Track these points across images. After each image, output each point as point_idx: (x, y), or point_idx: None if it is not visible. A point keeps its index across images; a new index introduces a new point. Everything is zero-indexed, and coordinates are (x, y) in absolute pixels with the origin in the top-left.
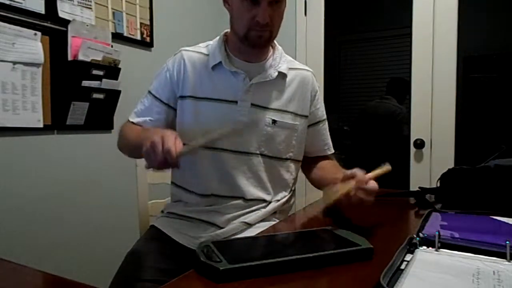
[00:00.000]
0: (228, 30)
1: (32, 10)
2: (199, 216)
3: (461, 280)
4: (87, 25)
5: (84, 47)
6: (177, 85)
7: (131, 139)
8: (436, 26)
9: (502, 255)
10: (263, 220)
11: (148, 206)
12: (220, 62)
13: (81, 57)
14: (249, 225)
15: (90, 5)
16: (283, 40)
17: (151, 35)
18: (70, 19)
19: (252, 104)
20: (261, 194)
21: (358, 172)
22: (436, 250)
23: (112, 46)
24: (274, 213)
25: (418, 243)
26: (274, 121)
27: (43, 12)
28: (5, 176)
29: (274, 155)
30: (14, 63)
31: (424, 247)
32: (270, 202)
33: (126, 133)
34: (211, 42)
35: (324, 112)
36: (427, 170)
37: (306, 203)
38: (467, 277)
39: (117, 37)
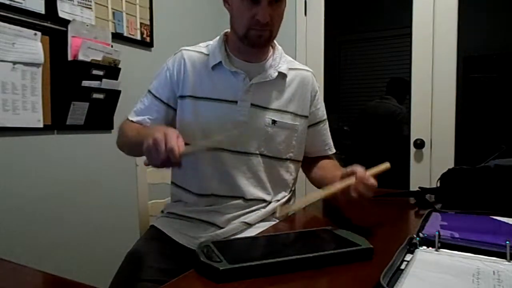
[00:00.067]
0: (228, 30)
1: (32, 10)
2: (199, 216)
3: (461, 280)
4: (87, 25)
5: (84, 47)
6: (177, 85)
7: (131, 137)
8: (436, 26)
9: (502, 255)
10: (263, 220)
11: (148, 206)
12: (220, 62)
13: (81, 57)
14: (249, 225)
15: (90, 5)
16: (283, 40)
17: (151, 35)
18: (70, 19)
19: (252, 104)
20: (261, 194)
21: (358, 168)
22: (436, 250)
23: (112, 46)
24: (274, 213)
25: (418, 243)
26: (274, 121)
27: (43, 12)
28: (5, 176)
29: (274, 155)
30: (14, 63)
31: (424, 247)
32: (270, 202)
33: (126, 130)
34: (211, 42)
35: (325, 112)
36: (427, 170)
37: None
38: (467, 277)
39: (117, 37)
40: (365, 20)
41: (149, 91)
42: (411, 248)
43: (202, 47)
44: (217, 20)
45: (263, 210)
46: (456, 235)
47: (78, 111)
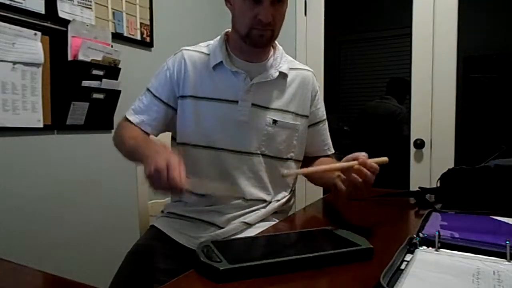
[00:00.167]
0: (229, 30)
1: (32, 10)
2: (199, 216)
3: (461, 280)
4: (87, 25)
5: (84, 47)
6: (177, 85)
7: (129, 146)
8: (436, 26)
9: (502, 255)
10: (263, 220)
11: (148, 206)
12: (221, 62)
13: (81, 57)
14: (249, 225)
15: (90, 5)
16: (283, 40)
17: (151, 35)
18: (70, 19)
19: (253, 104)
20: (261, 194)
21: (361, 154)
22: (436, 250)
23: (112, 46)
24: (274, 213)
25: (418, 243)
26: (275, 121)
27: (43, 12)
28: (5, 176)
29: (274, 155)
30: (14, 63)
31: (424, 247)
32: (270, 202)
33: (124, 136)
34: (211, 42)
35: (324, 112)
36: (427, 170)
37: (306, 203)
38: (467, 277)
39: (117, 37)
40: (365, 20)
41: (149, 90)
42: (411, 248)
43: (203, 47)
44: (217, 20)
45: (263, 210)
46: (456, 235)
47: (78, 111)
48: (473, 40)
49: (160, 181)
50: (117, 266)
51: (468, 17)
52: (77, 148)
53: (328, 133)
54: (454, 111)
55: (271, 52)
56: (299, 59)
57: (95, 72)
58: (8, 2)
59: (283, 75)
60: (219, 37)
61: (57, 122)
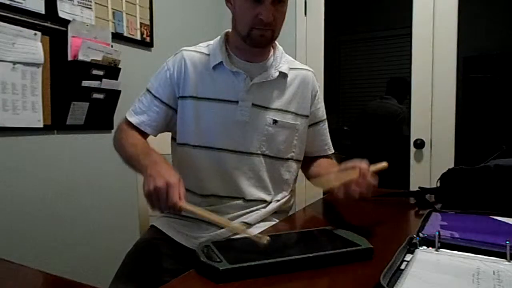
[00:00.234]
0: (229, 30)
1: (32, 10)
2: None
3: (461, 280)
4: (87, 25)
5: (84, 47)
6: (178, 85)
7: (130, 154)
8: (436, 26)
9: (502, 255)
10: (263, 220)
11: (148, 206)
12: (221, 62)
13: (81, 57)
14: (249, 225)
15: (90, 5)
16: (283, 40)
17: (151, 35)
18: (70, 19)
19: (253, 104)
20: (261, 195)
21: (362, 164)
22: (436, 250)
23: (112, 46)
24: (274, 213)
25: (418, 243)
26: (275, 121)
27: (43, 12)
28: (5, 176)
29: (275, 155)
30: (14, 63)
31: (424, 247)
32: (270, 202)
33: (125, 142)
34: (211, 42)
35: (324, 112)
36: (427, 170)
37: (306, 203)
38: (467, 277)
39: (117, 37)
40: (365, 20)
41: (148, 91)
42: (411, 248)
43: (203, 47)
44: (217, 20)
45: (263, 210)
46: (456, 235)
47: (78, 111)
48: (473, 40)
49: (159, 201)
50: (117, 266)
51: (468, 17)
52: (77, 148)
53: (328, 133)
54: (454, 111)
55: (271, 52)
56: (299, 59)
57: (95, 72)
58: (8, 2)
59: (283, 75)
60: (219, 37)
61: (57, 122)
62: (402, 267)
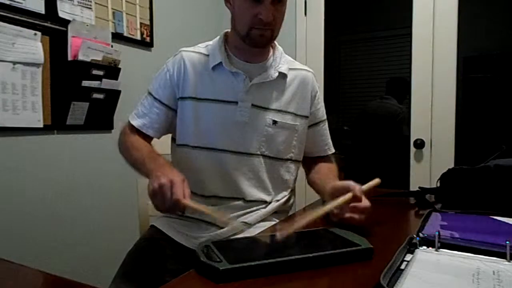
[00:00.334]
0: (228, 30)
1: (32, 10)
2: (199, 216)
3: (461, 280)
4: (87, 25)
5: (84, 47)
6: (177, 86)
7: (135, 158)
8: (436, 26)
9: (502, 255)
10: (263, 220)
11: (148, 206)
12: (220, 63)
13: (81, 57)
14: (249, 225)
15: (90, 5)
16: (283, 40)
17: (151, 35)
18: (70, 19)
19: (253, 105)
20: (261, 195)
21: (354, 187)
22: (436, 250)
23: (112, 46)
24: (274, 213)
25: (418, 243)
26: (274, 122)
27: (43, 12)
28: (5, 176)
29: (275, 156)
30: (14, 63)
31: (424, 247)
32: (270, 203)
33: (129, 146)
34: (210, 43)
35: (324, 113)
36: (427, 170)
37: (306, 203)
38: (467, 277)
39: (117, 37)
40: (365, 20)
41: (149, 93)
42: (411, 248)
43: (202, 47)
44: (217, 20)
45: (263, 210)
46: (456, 235)
47: (78, 111)
48: (473, 40)
49: (163, 199)
50: (117, 266)
51: (468, 17)
52: (77, 148)
53: (328, 133)
54: (454, 111)
55: (271, 53)
56: (299, 59)
57: (95, 72)
58: (8, 2)
59: (282, 76)
60: (218, 37)
61: (57, 122)
62: (402, 267)
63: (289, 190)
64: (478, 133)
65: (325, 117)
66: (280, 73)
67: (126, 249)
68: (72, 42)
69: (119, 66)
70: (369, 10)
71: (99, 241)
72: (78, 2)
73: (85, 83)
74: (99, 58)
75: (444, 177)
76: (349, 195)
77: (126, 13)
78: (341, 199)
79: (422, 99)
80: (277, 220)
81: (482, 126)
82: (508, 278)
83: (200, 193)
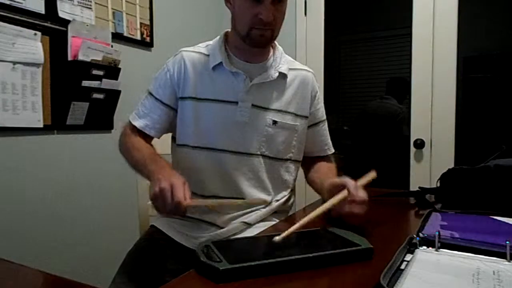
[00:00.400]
0: (228, 30)
1: (32, 10)
2: (199, 216)
3: (461, 280)
4: (87, 25)
5: (84, 47)
6: (178, 86)
7: (136, 159)
8: (436, 26)
9: (502, 255)
10: (263, 220)
11: (148, 206)
12: (221, 63)
13: (81, 57)
14: (249, 225)
15: (90, 5)
16: (283, 40)
17: (151, 35)
18: (70, 19)
19: (253, 105)
20: (261, 195)
21: (349, 183)
22: (436, 250)
23: (112, 46)
24: (274, 213)
25: (418, 243)
26: (274, 122)
27: (43, 12)
28: (5, 176)
29: (275, 156)
30: (14, 63)
31: (424, 247)
32: (270, 203)
33: (130, 147)
34: (210, 42)
35: (324, 113)
36: (427, 170)
37: (306, 203)
38: (467, 277)
39: (117, 37)
40: (365, 20)
41: (150, 93)
42: (411, 248)
43: (202, 47)
44: (217, 20)
45: (263, 210)
46: (456, 235)
47: (78, 111)
48: (473, 40)
49: (164, 202)
50: (117, 266)
51: (468, 17)
52: (77, 148)
53: (328, 133)
54: (454, 111)
55: (271, 53)
56: (299, 59)
57: (95, 72)
58: (8, 2)
59: (282, 76)
60: (218, 37)
61: (57, 122)
62: (402, 267)
63: (289, 190)
64: (478, 133)
65: (324, 117)
66: (280, 73)
67: (126, 249)
68: (72, 42)
69: (119, 66)
70: (369, 10)
71: (99, 241)
72: (78, 2)
73: (85, 83)
74: (99, 58)
75: (444, 177)
76: (344, 192)
77: (126, 13)
78: (336, 198)
79: (422, 99)
80: (277, 220)
81: (482, 126)
82: (508, 278)
83: (200, 193)
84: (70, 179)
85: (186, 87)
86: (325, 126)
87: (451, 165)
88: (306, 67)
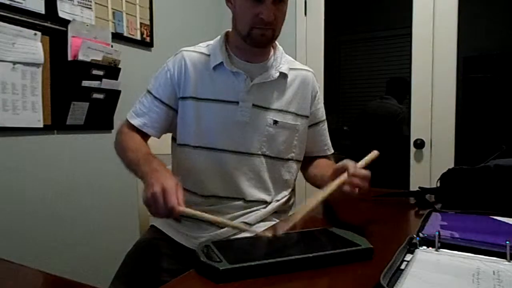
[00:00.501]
0: (229, 30)
1: (32, 10)
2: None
3: (461, 280)
4: (87, 25)
5: (84, 47)
6: (178, 86)
7: (130, 159)
8: (436, 26)
9: (502, 255)
10: (263, 220)
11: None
12: (221, 63)
13: (81, 57)
14: (249, 225)
15: (90, 5)
16: (283, 40)
17: (151, 35)
18: (70, 19)
19: (254, 105)
20: (262, 195)
21: (349, 163)
22: (436, 250)
23: (112, 46)
24: (274, 213)
25: (418, 243)
26: (275, 122)
27: (43, 12)
28: (5, 176)
29: (275, 156)
30: (14, 63)
31: (424, 247)
32: (270, 203)
33: (126, 146)
34: (211, 42)
35: (324, 113)
36: (427, 170)
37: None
38: (467, 277)
39: (117, 37)
40: (365, 20)
41: (149, 92)
42: (411, 248)
43: (202, 47)
44: (217, 20)
45: (263, 210)
46: (456, 235)
47: (78, 111)
48: (473, 40)
49: (156, 207)
50: (117, 266)
51: (468, 17)
52: (77, 148)
53: (328, 134)
54: (454, 111)
55: (271, 53)
56: (299, 59)
57: (95, 72)
58: (8, 2)
59: (283, 76)
60: (218, 37)
61: (57, 122)
62: (402, 267)
63: (289, 190)
64: (478, 133)
65: (324, 117)
66: (281, 73)
67: (126, 249)
68: (72, 42)
69: (119, 66)
70: (369, 10)
71: (99, 241)
72: (78, 2)
73: (85, 83)
74: (99, 58)
75: (444, 177)
76: (343, 177)
77: (126, 13)
78: (335, 183)
79: (422, 99)
80: (277, 220)
81: (482, 126)
82: (508, 278)
83: (200, 193)
84: (70, 179)
85: (187, 87)
86: (325, 126)
87: (451, 165)
88: (306, 67)
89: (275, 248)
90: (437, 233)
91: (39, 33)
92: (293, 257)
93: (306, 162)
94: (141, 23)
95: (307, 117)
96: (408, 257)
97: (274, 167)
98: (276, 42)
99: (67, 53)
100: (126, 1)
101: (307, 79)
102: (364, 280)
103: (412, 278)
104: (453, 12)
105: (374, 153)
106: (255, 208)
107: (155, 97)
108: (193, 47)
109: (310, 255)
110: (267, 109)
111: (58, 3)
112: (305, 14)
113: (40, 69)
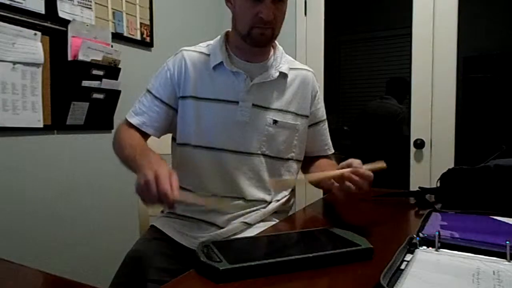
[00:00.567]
0: (229, 29)
1: (32, 10)
2: (199, 216)
3: (461, 280)
4: (87, 25)
5: (84, 47)
6: (178, 85)
7: (126, 155)
8: (436, 26)
9: (502, 255)
10: (263, 220)
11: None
12: (221, 62)
13: (81, 57)
14: (249, 225)
15: (90, 5)
16: (283, 40)
17: (151, 35)
18: (70, 19)
19: (253, 105)
20: (262, 195)
21: (355, 161)
22: (436, 250)
23: (112, 46)
24: (274, 213)
25: (418, 243)
26: (275, 121)
27: (43, 12)
28: (5, 176)
29: (275, 155)
30: (14, 63)
31: (424, 247)
32: (270, 202)
33: (123, 144)
34: (211, 42)
35: (324, 112)
36: (427, 170)
37: (306, 203)
38: (467, 277)
39: (117, 37)
40: (365, 20)
41: (149, 91)
42: (411, 248)
43: (203, 47)
44: (217, 20)
45: (263, 210)
46: (456, 235)
47: (78, 111)
48: (473, 40)
49: (149, 194)
50: (117, 266)
51: (468, 17)
52: (77, 148)
53: (328, 133)
54: (454, 111)
55: (271, 52)
56: (299, 59)
57: (95, 72)
58: (8, 2)
59: (283, 75)
60: (219, 37)
61: (57, 122)
62: (402, 267)
63: (289, 190)
64: (478, 133)
65: (325, 117)
66: (281, 73)
67: (126, 249)
68: (72, 42)
69: (119, 66)
70: (369, 10)
71: (99, 241)
72: (78, 2)
73: (85, 83)
74: (99, 58)
75: (444, 177)
76: (346, 170)
77: (126, 13)
78: (337, 171)
79: (422, 99)
80: (277, 220)
81: (482, 126)
82: (508, 278)
83: (200, 192)
84: (70, 179)
85: (187, 86)
86: (325, 126)
87: (451, 165)
88: (306, 67)
89: (275, 248)
90: (437, 233)
91: (39, 33)
92: (293, 257)
93: (306, 162)
94: (141, 23)
95: (307, 116)
96: (408, 257)
97: (273, 167)
98: (276, 42)
99: (67, 53)
100: (126, 1)
101: (307, 79)
102: (364, 280)
103: (412, 278)
104: (453, 12)
105: (381, 164)
106: (255, 208)
107: (155, 97)
108: (193, 47)
109: (310, 255)
110: (267, 108)
111: (58, 3)
112: (305, 14)
113: (40, 69)
